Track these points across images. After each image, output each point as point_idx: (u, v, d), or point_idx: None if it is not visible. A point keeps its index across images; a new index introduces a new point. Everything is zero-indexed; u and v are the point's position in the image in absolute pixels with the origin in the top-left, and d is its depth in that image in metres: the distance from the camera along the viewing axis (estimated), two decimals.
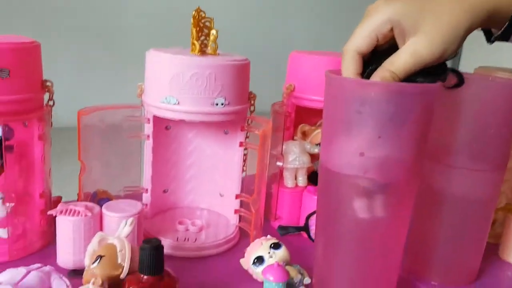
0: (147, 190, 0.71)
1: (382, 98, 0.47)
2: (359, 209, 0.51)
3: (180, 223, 0.71)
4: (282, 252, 0.60)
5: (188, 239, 0.67)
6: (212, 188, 0.77)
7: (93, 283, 0.47)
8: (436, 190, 0.61)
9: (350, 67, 0.48)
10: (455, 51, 0.46)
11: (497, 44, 0.52)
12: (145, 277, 0.49)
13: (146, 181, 0.70)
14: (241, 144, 0.70)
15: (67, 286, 0.52)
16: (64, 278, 0.53)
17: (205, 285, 0.59)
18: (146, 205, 0.71)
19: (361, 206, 0.51)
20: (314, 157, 0.77)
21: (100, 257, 0.50)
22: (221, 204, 0.76)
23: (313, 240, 0.73)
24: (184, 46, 0.68)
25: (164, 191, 0.76)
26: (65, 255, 0.59)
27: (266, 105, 0.80)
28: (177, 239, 0.67)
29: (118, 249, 0.51)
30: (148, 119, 0.68)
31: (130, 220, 0.54)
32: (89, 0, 3.11)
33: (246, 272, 0.62)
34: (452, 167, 0.59)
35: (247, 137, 0.71)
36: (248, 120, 0.69)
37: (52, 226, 0.67)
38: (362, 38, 0.47)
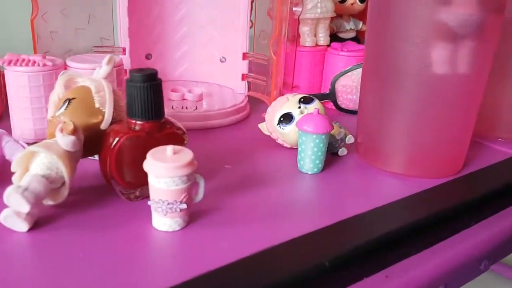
0: (124, 50, 0.54)
1: None
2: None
3: (174, 90, 0.55)
4: (316, 105, 0.45)
5: (186, 107, 0.52)
6: (210, 51, 0.60)
7: (62, 130, 0.31)
8: None
9: None
10: None
11: None
12: (138, 123, 0.34)
13: (122, 37, 0.53)
14: None
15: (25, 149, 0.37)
16: (21, 141, 0.38)
17: (216, 155, 0.45)
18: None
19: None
20: (336, 10, 0.61)
21: (69, 100, 0.34)
22: (223, 73, 0.60)
23: (341, 109, 0.59)
24: None
25: (147, 57, 0.59)
26: (22, 124, 0.43)
27: None
28: (172, 107, 0.51)
29: (93, 91, 0.35)
30: None
31: (107, 57, 0.37)
32: None
33: (265, 140, 0.48)
34: None
35: None
36: None
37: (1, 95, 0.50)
38: None
